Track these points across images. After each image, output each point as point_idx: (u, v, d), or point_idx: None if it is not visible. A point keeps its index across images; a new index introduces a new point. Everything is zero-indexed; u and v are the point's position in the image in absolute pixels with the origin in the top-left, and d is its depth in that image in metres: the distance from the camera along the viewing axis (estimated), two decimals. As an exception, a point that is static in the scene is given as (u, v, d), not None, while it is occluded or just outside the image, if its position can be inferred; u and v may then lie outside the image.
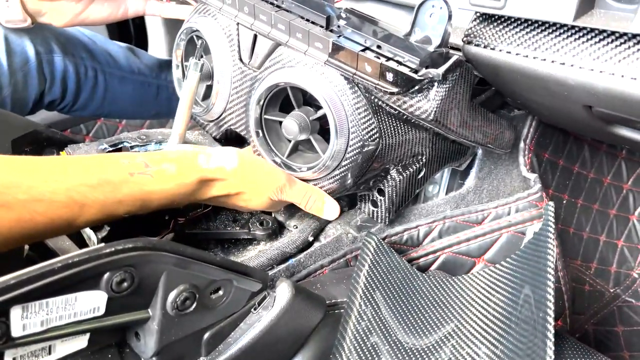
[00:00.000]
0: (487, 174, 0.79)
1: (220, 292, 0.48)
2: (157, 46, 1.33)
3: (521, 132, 0.79)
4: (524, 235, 0.73)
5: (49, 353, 0.40)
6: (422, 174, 0.68)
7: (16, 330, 0.37)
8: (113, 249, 0.40)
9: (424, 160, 0.67)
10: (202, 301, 0.46)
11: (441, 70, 0.49)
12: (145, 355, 0.45)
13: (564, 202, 0.89)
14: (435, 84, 0.52)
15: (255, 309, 0.50)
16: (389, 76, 0.51)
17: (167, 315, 0.44)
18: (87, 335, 0.42)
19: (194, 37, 0.70)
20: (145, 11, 0.76)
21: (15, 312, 0.36)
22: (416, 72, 0.50)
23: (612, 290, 0.95)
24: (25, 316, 0.37)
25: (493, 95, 0.74)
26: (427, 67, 0.50)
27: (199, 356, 0.48)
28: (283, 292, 0.51)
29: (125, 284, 0.41)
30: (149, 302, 0.44)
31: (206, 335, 0.48)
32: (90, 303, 0.40)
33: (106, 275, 0.40)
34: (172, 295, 0.43)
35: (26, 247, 0.55)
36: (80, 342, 0.42)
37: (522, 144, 0.79)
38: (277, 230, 0.72)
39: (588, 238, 0.94)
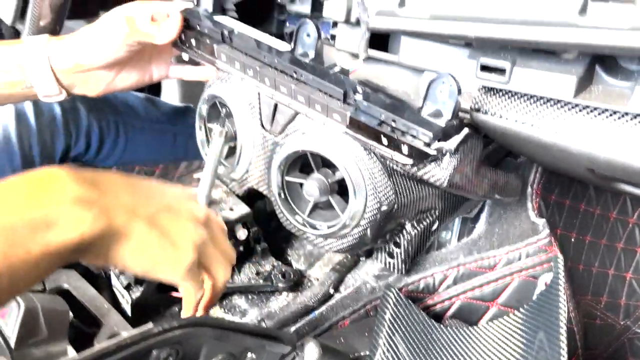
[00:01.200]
0: (497, 219, 0.82)
1: (254, 357, 0.51)
2: (170, 92, 1.38)
3: (528, 177, 0.83)
4: (535, 279, 0.76)
5: None
6: (435, 226, 0.72)
7: (76, 410, 0.41)
8: (162, 329, 0.43)
9: (437, 213, 0.70)
10: (239, 368, 0.49)
11: (453, 144, 0.53)
12: (189, 423, 0.48)
13: (572, 240, 0.93)
14: (448, 154, 0.55)
15: (286, 372, 0.53)
16: (404, 149, 0.55)
17: (208, 384, 0.47)
18: (136, 408, 0.45)
19: (217, 102, 0.75)
20: (168, 75, 0.81)
21: (76, 394, 0.40)
22: (429, 145, 0.53)
23: (622, 323, 0.98)
24: (84, 396, 0.41)
25: (500, 146, 0.77)
26: (439, 140, 0.54)
27: (236, 419, 0.51)
28: (311, 353, 0.54)
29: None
30: (192, 374, 0.47)
31: (242, 400, 0.51)
32: (140, 380, 0.44)
33: (154, 353, 0.44)
34: (212, 366, 0.47)
35: (70, 315, 0.58)
36: (130, 415, 0.45)
37: (529, 189, 0.82)
38: (299, 280, 0.76)
39: (597, 273, 0.97)
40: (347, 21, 0.72)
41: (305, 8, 0.78)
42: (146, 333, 0.43)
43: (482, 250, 0.79)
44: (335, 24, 0.77)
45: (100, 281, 0.73)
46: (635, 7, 0.41)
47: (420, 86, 0.71)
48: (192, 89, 1.39)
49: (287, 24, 0.87)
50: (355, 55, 0.76)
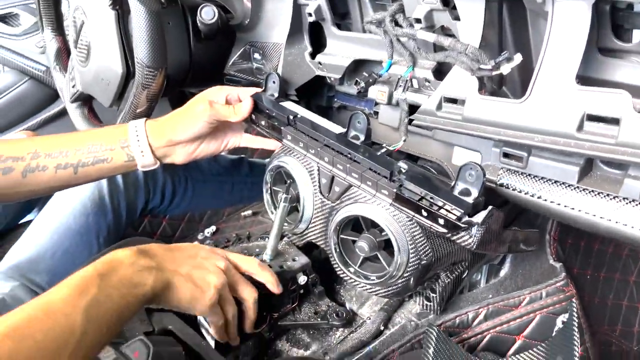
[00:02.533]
0: (520, 261, 0.96)
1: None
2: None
3: (545, 226, 0.96)
4: (554, 315, 0.89)
5: None
6: (465, 274, 0.85)
7: None
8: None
9: (466, 264, 0.84)
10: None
11: (480, 218, 0.67)
12: None
13: (588, 277, 1.05)
14: (476, 225, 0.69)
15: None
16: (440, 221, 0.69)
17: None
18: None
19: (282, 171, 0.90)
20: (240, 143, 0.97)
21: None
22: (460, 219, 0.67)
23: (636, 349, 1.09)
24: None
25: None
26: (469, 215, 0.68)
27: None
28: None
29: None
30: None
31: None
32: None
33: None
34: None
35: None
36: None
37: (547, 236, 0.95)
38: (351, 319, 0.90)
39: (612, 305, 1.09)
40: (388, 103, 0.88)
41: (352, 89, 0.93)
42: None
43: (508, 290, 0.92)
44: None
45: (189, 319, 0.89)
46: (620, 127, 0.55)
47: (451, 156, 0.85)
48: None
49: (335, 99, 1.02)
50: (395, 129, 0.91)
